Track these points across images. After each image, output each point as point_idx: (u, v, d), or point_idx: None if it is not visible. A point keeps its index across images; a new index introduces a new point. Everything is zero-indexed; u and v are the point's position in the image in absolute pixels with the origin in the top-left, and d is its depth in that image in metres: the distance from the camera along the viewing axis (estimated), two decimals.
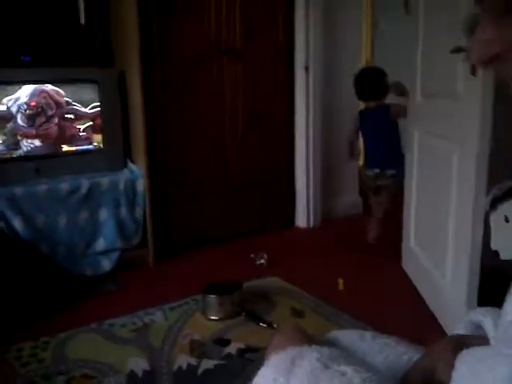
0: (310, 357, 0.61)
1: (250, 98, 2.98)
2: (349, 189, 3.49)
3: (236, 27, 2.85)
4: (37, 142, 2.41)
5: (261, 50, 2.96)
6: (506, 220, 1.52)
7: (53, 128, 2.44)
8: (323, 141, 3.24)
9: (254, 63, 2.95)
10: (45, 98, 2.39)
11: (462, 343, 0.63)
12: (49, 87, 2.40)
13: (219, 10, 2.78)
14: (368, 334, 0.80)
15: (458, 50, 1.66)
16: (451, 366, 0.55)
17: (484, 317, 0.66)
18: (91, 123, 2.53)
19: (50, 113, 2.41)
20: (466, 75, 1.67)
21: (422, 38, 2.21)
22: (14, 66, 2.37)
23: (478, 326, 0.67)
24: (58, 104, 2.44)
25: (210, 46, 2.78)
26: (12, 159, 2.36)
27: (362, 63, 3.76)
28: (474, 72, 1.59)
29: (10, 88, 2.32)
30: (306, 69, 3.08)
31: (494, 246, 1.54)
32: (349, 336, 0.80)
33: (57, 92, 2.43)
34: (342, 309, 2.08)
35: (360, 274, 2.48)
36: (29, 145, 2.39)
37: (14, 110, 2.33)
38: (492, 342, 0.62)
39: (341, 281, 2.33)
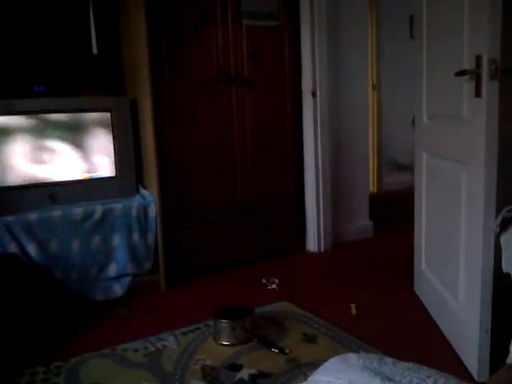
0: None
1: (259, 123, 3.02)
2: (359, 213, 3.49)
3: (243, 54, 2.92)
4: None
5: (268, 76, 3.02)
6: None
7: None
8: (332, 165, 3.27)
9: (262, 89, 3.01)
10: None
11: None
12: None
13: (226, 37, 2.85)
14: (388, 359, 0.80)
15: (462, 72, 1.69)
16: None
17: None
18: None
19: None
20: (470, 96, 1.69)
21: (427, 61, 2.24)
22: (28, 96, 2.44)
23: None
24: None
25: (219, 73, 2.85)
26: (27, 186, 2.41)
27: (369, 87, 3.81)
28: (478, 93, 1.61)
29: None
30: (314, 94, 3.12)
31: (505, 268, 1.53)
32: (368, 360, 0.80)
33: None
34: (354, 334, 2.06)
35: (372, 298, 2.47)
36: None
37: None
38: None
39: (353, 305, 2.32)
